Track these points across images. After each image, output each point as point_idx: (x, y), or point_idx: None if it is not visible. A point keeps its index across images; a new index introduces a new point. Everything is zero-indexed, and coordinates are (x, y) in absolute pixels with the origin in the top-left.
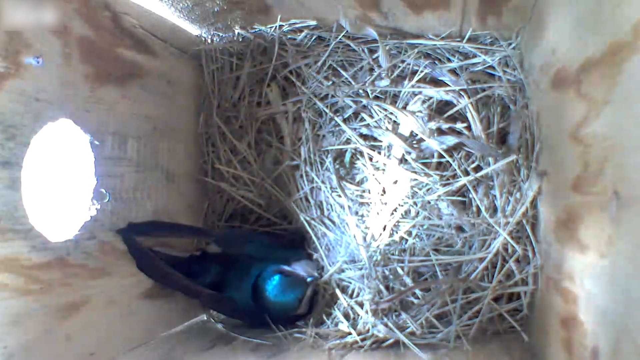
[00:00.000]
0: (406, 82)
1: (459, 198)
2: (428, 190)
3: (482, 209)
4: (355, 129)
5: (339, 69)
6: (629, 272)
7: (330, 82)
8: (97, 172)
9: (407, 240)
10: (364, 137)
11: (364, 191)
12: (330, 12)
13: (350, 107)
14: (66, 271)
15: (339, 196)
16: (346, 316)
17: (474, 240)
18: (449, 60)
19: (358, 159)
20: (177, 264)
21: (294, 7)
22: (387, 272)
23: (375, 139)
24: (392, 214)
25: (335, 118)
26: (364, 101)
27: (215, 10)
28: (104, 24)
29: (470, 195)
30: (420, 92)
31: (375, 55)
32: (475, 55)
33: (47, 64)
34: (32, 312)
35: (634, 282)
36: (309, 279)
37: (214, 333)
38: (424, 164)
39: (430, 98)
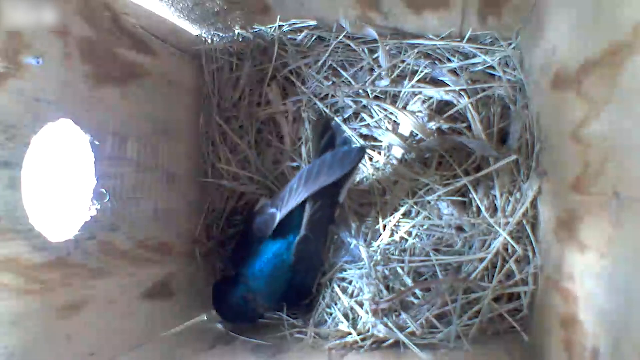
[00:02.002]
0: (406, 82)
1: (459, 198)
2: (428, 190)
3: (482, 209)
4: (355, 129)
5: (339, 69)
6: (629, 272)
7: (330, 82)
8: (97, 172)
9: (407, 240)
10: (364, 137)
11: (364, 191)
12: (330, 12)
13: (350, 107)
14: (66, 271)
15: None
16: (346, 316)
17: (474, 240)
18: (449, 60)
19: None
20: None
21: (294, 7)
22: (387, 272)
23: (375, 139)
24: (392, 214)
25: (335, 118)
26: (364, 101)
27: (215, 10)
28: (104, 24)
29: (470, 195)
30: (420, 92)
31: (375, 55)
32: (475, 55)
33: (47, 64)
34: (32, 312)
35: (634, 282)
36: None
37: (214, 333)
38: (424, 164)
39: (430, 98)
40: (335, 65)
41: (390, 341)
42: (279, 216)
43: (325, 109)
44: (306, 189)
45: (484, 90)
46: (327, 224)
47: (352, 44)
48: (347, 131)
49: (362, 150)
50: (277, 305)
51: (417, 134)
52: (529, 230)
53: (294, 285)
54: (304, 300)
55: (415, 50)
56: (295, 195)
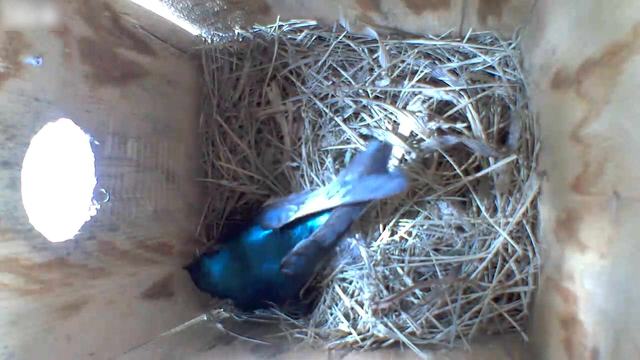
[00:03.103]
0: (406, 82)
1: (459, 198)
2: (428, 190)
3: (482, 209)
4: (355, 129)
5: (339, 69)
6: (629, 272)
7: (330, 82)
8: (97, 172)
9: (407, 240)
10: (364, 137)
11: None
12: (330, 12)
13: (350, 107)
14: (66, 271)
15: None
16: (347, 316)
17: (474, 240)
18: (449, 60)
19: None
20: None
21: (294, 7)
22: (387, 272)
23: (375, 139)
24: (392, 214)
25: (335, 118)
26: (364, 101)
27: (215, 10)
28: (104, 24)
29: (470, 195)
30: (420, 92)
31: (375, 55)
32: (475, 55)
33: (47, 64)
34: (32, 312)
35: (634, 282)
36: None
37: (214, 333)
38: (424, 164)
39: (430, 98)
40: (335, 65)
41: (390, 341)
42: (296, 214)
43: (325, 109)
44: (342, 199)
45: (484, 90)
46: (338, 236)
47: (352, 44)
48: (347, 131)
49: (406, 184)
50: (250, 297)
51: (417, 134)
52: (529, 230)
53: (276, 284)
54: (284, 302)
55: (415, 50)
56: (328, 198)
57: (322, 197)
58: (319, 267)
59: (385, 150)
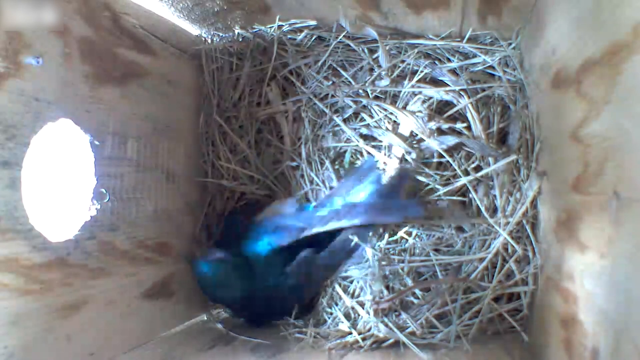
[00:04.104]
0: (406, 82)
1: (459, 198)
2: (428, 190)
3: (482, 209)
4: (355, 129)
5: (339, 69)
6: (629, 272)
7: (330, 82)
8: (97, 172)
9: (407, 240)
10: (364, 137)
11: None
12: (330, 12)
13: (350, 107)
14: (66, 271)
15: None
16: (347, 316)
17: (474, 240)
18: (449, 60)
19: (358, 159)
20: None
21: (294, 7)
22: (387, 272)
23: (375, 139)
24: None
25: (335, 118)
26: (364, 101)
27: (215, 10)
28: (104, 24)
29: (470, 195)
30: (420, 92)
31: (375, 55)
32: (475, 55)
33: (47, 64)
34: (32, 312)
35: (634, 282)
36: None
37: (214, 333)
38: (424, 164)
39: (430, 98)
40: (335, 65)
41: (391, 341)
42: (306, 233)
43: (325, 109)
44: (353, 221)
45: (484, 90)
46: (347, 254)
47: (352, 44)
48: (347, 131)
49: (422, 213)
50: (250, 309)
51: (417, 134)
52: (529, 230)
53: (281, 297)
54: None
55: (415, 50)
56: (339, 219)
57: (332, 218)
58: (323, 279)
59: (403, 176)
